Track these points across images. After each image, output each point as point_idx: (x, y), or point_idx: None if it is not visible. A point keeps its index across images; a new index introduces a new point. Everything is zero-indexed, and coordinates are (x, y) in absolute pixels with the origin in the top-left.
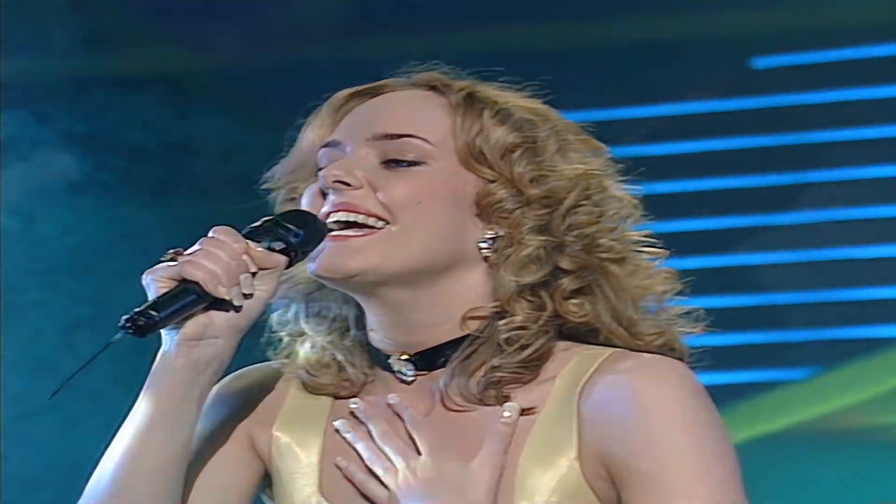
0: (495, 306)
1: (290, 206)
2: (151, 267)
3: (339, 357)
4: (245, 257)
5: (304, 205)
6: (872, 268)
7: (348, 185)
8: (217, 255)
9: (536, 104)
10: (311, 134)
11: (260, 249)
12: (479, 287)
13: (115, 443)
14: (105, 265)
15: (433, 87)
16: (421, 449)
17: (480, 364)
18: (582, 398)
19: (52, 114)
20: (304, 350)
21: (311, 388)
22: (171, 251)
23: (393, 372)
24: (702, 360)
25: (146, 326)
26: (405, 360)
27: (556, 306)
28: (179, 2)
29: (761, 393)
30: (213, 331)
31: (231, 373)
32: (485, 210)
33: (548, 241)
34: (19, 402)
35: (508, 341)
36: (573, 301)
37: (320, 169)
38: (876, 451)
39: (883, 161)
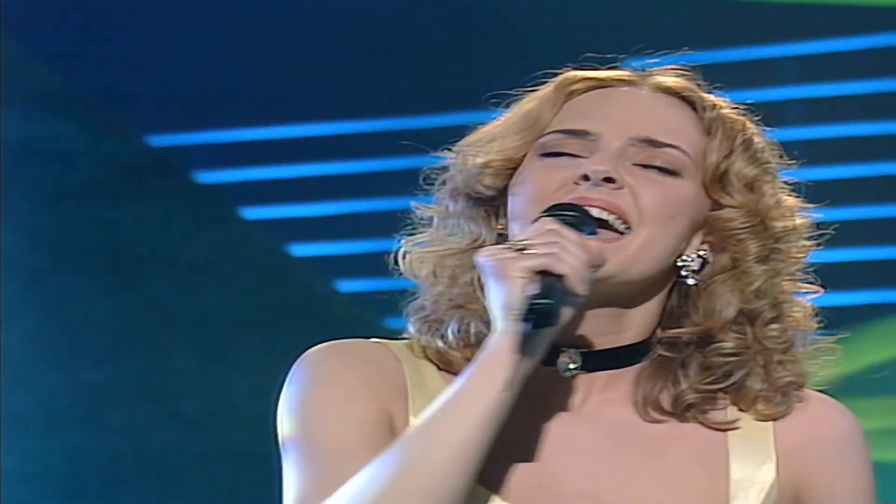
0: (698, 330)
1: (491, 176)
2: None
3: (481, 337)
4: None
5: (538, 185)
6: None
7: (613, 181)
8: (571, 251)
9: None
10: (537, 110)
11: (594, 244)
12: (659, 303)
13: (453, 423)
14: None
15: (682, 97)
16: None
17: (674, 380)
18: (777, 432)
19: None
20: (447, 329)
21: (445, 365)
22: (513, 241)
23: (551, 365)
24: None
25: (550, 317)
26: (575, 356)
27: (757, 333)
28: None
29: None
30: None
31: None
32: (718, 234)
33: (769, 271)
34: None
35: (711, 366)
36: (773, 327)
37: (553, 153)
38: None
39: None
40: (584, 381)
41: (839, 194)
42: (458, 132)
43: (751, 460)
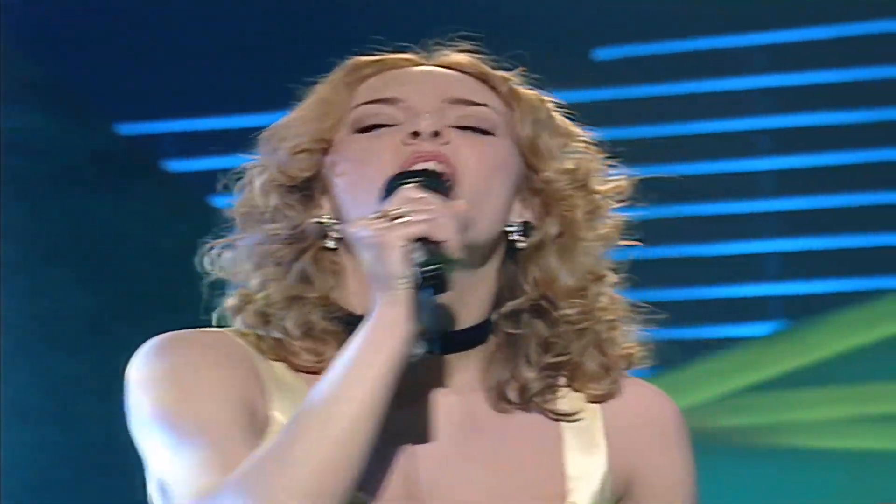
0: (534, 298)
1: (306, 158)
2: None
3: (336, 330)
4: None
5: (366, 157)
6: (715, 265)
7: (440, 135)
8: (445, 215)
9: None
10: (333, 94)
11: (460, 204)
12: (495, 277)
13: (344, 396)
14: None
15: (473, 75)
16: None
17: (519, 362)
18: (606, 419)
19: None
20: (285, 323)
21: (280, 359)
22: (382, 211)
23: None
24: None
25: (446, 282)
26: (424, 340)
27: (591, 302)
28: None
29: None
30: None
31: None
32: (543, 198)
33: (598, 237)
34: None
35: (551, 340)
36: (602, 298)
37: (368, 127)
38: (719, 455)
39: (733, 155)
40: (432, 366)
41: (808, 184)
42: None
43: (585, 451)
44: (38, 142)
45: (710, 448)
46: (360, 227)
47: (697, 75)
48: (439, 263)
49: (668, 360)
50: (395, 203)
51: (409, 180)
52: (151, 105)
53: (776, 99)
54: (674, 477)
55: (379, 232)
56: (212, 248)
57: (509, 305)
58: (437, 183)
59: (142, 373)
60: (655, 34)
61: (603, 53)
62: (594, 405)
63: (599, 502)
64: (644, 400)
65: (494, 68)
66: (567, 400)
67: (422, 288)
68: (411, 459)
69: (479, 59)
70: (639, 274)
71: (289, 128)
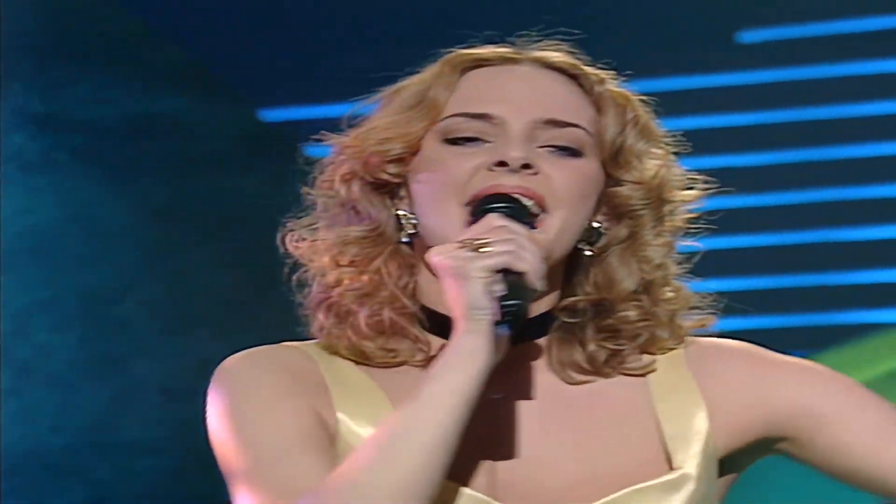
0: (599, 296)
1: (394, 164)
2: (441, 254)
3: (408, 325)
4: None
5: (448, 173)
6: (869, 250)
7: (530, 167)
8: (527, 247)
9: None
10: (432, 91)
11: (541, 237)
12: (560, 273)
13: (417, 417)
14: (62, 248)
15: (569, 74)
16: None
17: (581, 342)
18: (700, 375)
19: (6, 90)
20: (358, 320)
21: (358, 358)
22: (470, 240)
23: None
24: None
25: (523, 317)
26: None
27: (654, 298)
28: None
29: None
30: None
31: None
32: (616, 208)
33: (666, 243)
34: None
35: (616, 330)
36: (667, 289)
37: (458, 139)
38: None
39: (880, 138)
40: (512, 356)
41: None
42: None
43: (681, 412)
44: (188, 126)
45: None
46: (443, 255)
47: (845, 57)
48: (519, 297)
49: (814, 345)
50: (478, 231)
51: (496, 206)
52: (294, 91)
53: None
54: (793, 386)
55: (460, 262)
56: (292, 229)
57: (569, 300)
58: (521, 212)
59: (212, 402)
60: (802, 16)
61: (748, 36)
62: (675, 358)
63: (705, 462)
64: (724, 352)
65: (590, 65)
66: (643, 359)
67: (500, 323)
68: (499, 441)
69: (574, 56)
70: (798, 258)
71: (381, 128)
